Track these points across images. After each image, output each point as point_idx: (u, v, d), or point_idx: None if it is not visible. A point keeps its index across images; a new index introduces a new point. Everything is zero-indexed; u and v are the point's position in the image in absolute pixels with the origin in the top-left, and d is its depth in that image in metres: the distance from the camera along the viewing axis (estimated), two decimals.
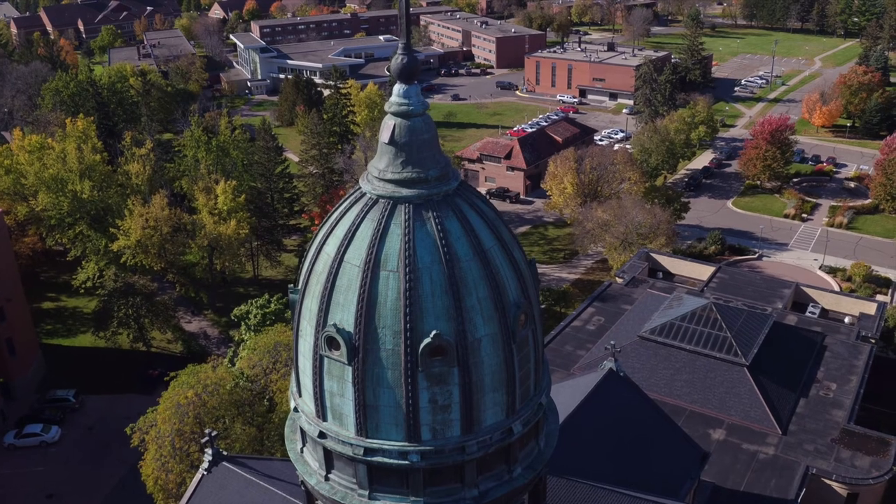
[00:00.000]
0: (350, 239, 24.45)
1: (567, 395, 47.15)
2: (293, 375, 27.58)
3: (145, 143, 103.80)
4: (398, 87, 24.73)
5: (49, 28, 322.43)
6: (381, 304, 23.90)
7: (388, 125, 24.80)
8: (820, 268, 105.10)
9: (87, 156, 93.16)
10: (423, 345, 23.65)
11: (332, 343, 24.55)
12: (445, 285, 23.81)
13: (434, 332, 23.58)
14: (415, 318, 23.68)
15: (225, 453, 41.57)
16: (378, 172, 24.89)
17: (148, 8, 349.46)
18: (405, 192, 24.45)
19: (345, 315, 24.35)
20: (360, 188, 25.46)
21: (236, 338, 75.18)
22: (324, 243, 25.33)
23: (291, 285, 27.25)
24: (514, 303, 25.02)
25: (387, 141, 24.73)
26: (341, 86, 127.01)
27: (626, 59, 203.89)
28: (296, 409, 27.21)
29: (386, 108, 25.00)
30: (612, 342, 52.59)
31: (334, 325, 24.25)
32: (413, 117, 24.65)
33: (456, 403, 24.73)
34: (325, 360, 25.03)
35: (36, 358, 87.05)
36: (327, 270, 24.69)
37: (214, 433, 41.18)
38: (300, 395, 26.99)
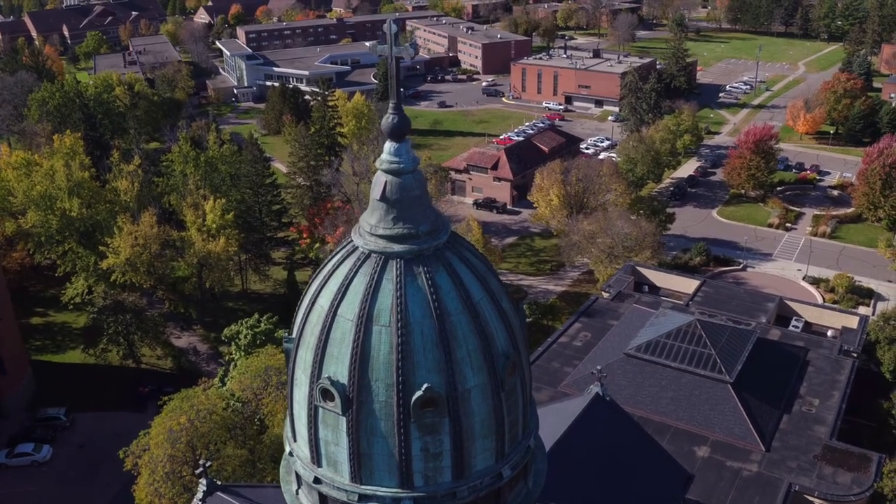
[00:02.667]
0: (343, 293, 25.17)
1: (554, 419, 47.91)
2: (288, 420, 28.28)
3: (133, 160, 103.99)
4: (389, 145, 25.42)
5: (34, 33, 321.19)
6: (374, 357, 24.64)
7: (379, 182, 25.51)
8: (804, 278, 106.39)
9: (76, 172, 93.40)
10: (415, 397, 24.38)
11: (326, 394, 25.27)
12: (436, 339, 24.57)
13: (426, 386, 24.32)
14: (407, 372, 24.43)
15: (219, 483, 42.14)
16: (370, 227, 25.62)
17: (133, 13, 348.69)
18: (396, 247, 25.17)
19: (339, 368, 25.09)
20: (351, 241, 26.20)
21: (227, 357, 75.68)
22: (317, 295, 26.05)
23: (286, 334, 27.96)
24: (502, 353, 25.79)
25: (378, 198, 25.44)
26: (328, 95, 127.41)
27: (611, 65, 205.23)
28: (290, 454, 27.94)
29: (377, 164, 25.71)
30: (598, 367, 53.42)
31: (328, 378, 24.96)
32: (404, 174, 25.34)
33: (447, 451, 25.51)
34: (320, 409, 25.77)
35: (26, 375, 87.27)
36: (321, 323, 25.43)
37: (208, 464, 41.73)
38: (295, 441, 27.69)
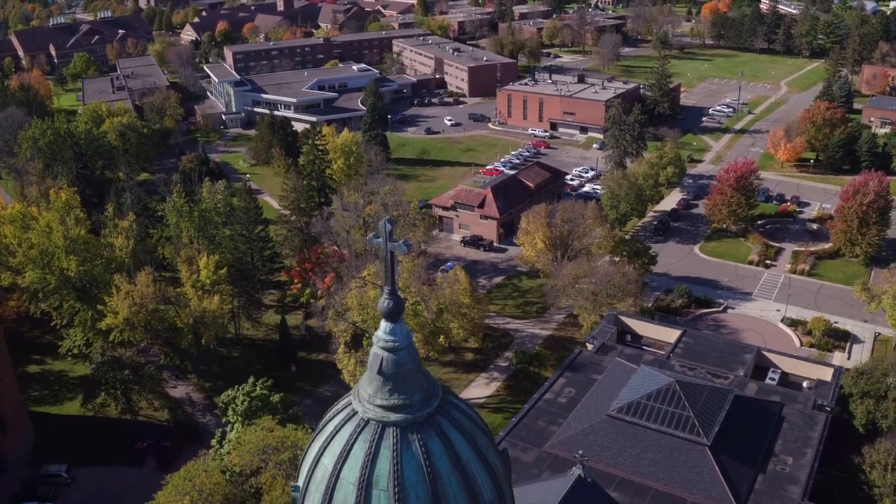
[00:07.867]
0: (345, 458, 27.85)
1: (537, 502, 50.70)
2: None
3: (127, 215, 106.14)
4: (385, 325, 28.12)
5: (21, 53, 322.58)
6: None
7: (376, 358, 28.24)
8: (782, 320, 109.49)
9: (72, 229, 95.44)
10: None
11: None
12: (429, 501, 27.39)
13: None
14: None
15: None
16: (368, 397, 28.33)
17: (120, 31, 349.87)
18: (392, 416, 27.95)
19: None
20: (352, 406, 28.90)
21: (224, 420, 77.98)
22: (321, 455, 28.73)
23: (294, 483, 30.59)
24: None
25: (376, 372, 28.21)
26: (318, 143, 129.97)
27: (595, 92, 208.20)
28: None
29: (374, 340, 28.43)
30: (580, 451, 56.11)
31: None
32: (398, 351, 28.08)
33: None
34: None
35: (26, 430, 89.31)
36: (325, 482, 28.11)
37: None
38: None
